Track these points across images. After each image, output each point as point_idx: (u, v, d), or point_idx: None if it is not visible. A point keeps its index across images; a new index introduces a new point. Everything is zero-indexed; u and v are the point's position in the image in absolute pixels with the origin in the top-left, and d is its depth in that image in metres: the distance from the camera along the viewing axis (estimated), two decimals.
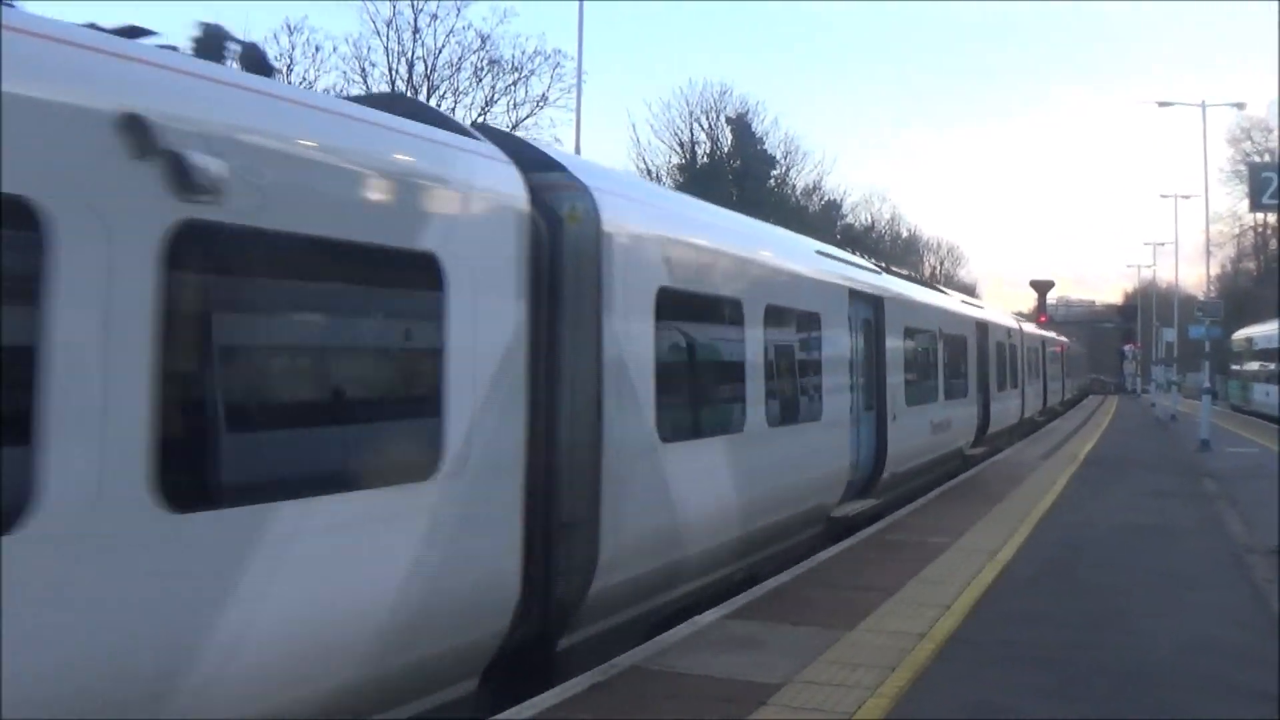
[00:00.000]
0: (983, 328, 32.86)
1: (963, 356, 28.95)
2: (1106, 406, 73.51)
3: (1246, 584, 13.40)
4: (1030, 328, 52.10)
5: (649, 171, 65.36)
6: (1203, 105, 42.57)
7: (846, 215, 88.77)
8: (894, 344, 20.65)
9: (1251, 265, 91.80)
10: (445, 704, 8.42)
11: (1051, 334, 65.48)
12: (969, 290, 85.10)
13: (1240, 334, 62.76)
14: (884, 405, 19.64)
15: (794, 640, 10.49)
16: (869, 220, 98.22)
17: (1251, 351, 58.27)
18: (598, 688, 9.01)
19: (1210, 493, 22.70)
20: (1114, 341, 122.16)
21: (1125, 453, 33.89)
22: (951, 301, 30.89)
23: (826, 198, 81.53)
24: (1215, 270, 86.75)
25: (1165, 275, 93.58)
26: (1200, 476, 25.94)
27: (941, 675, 9.45)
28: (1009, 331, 39.55)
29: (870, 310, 19.57)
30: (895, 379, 20.56)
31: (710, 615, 11.51)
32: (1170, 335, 59.65)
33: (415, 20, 49.68)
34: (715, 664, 9.70)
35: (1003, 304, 69.32)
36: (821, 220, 72.60)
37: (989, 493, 22.26)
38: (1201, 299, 43.86)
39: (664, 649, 10.20)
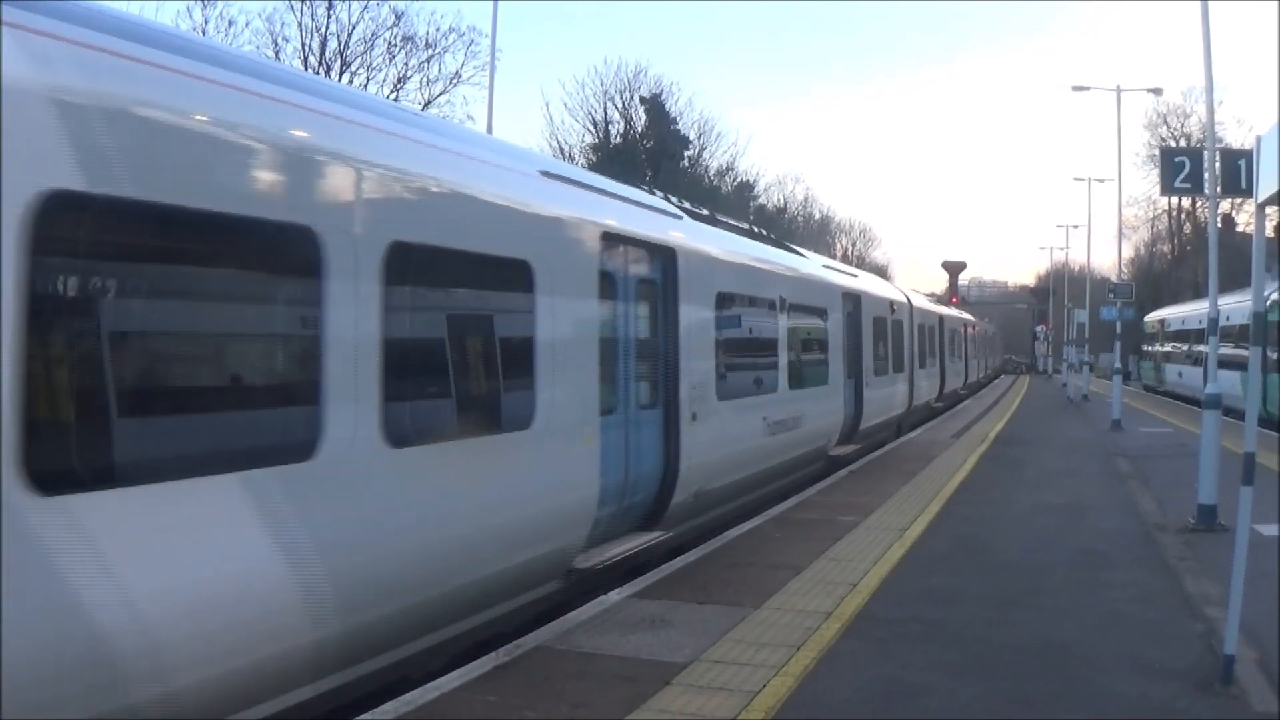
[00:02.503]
0: (931, 317, 41.28)
1: (902, 339, 33.64)
2: (1018, 386, 74.37)
3: (1158, 562, 13.39)
4: (953, 311, 53.82)
5: (562, 151, 64.98)
6: (1118, 90, 42.65)
7: (759, 197, 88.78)
8: (866, 329, 26.89)
9: (1166, 249, 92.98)
10: None
11: (968, 316, 66.34)
12: (881, 272, 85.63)
13: (1153, 316, 63.73)
14: (860, 375, 25.69)
15: (701, 619, 10.39)
16: (782, 202, 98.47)
17: (1164, 333, 59.18)
18: (502, 668, 8.92)
19: (1122, 472, 22.81)
20: (1027, 322, 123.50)
21: (1037, 432, 34.12)
22: (898, 293, 36.80)
23: (740, 179, 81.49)
24: (1130, 253, 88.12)
25: (1079, 257, 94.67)
26: (1112, 456, 26.11)
27: (848, 653, 9.36)
28: (940, 318, 45.76)
29: (852, 304, 25.42)
30: (868, 356, 26.94)
31: (617, 594, 11.41)
32: (1082, 316, 60.19)
33: None
34: (622, 643, 9.62)
35: (916, 285, 69.97)
36: (735, 202, 72.39)
37: (900, 471, 22.26)
38: (1114, 281, 44.25)
39: (570, 628, 10.10)
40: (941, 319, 45.44)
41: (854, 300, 25.82)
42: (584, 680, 8.61)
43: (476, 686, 8.45)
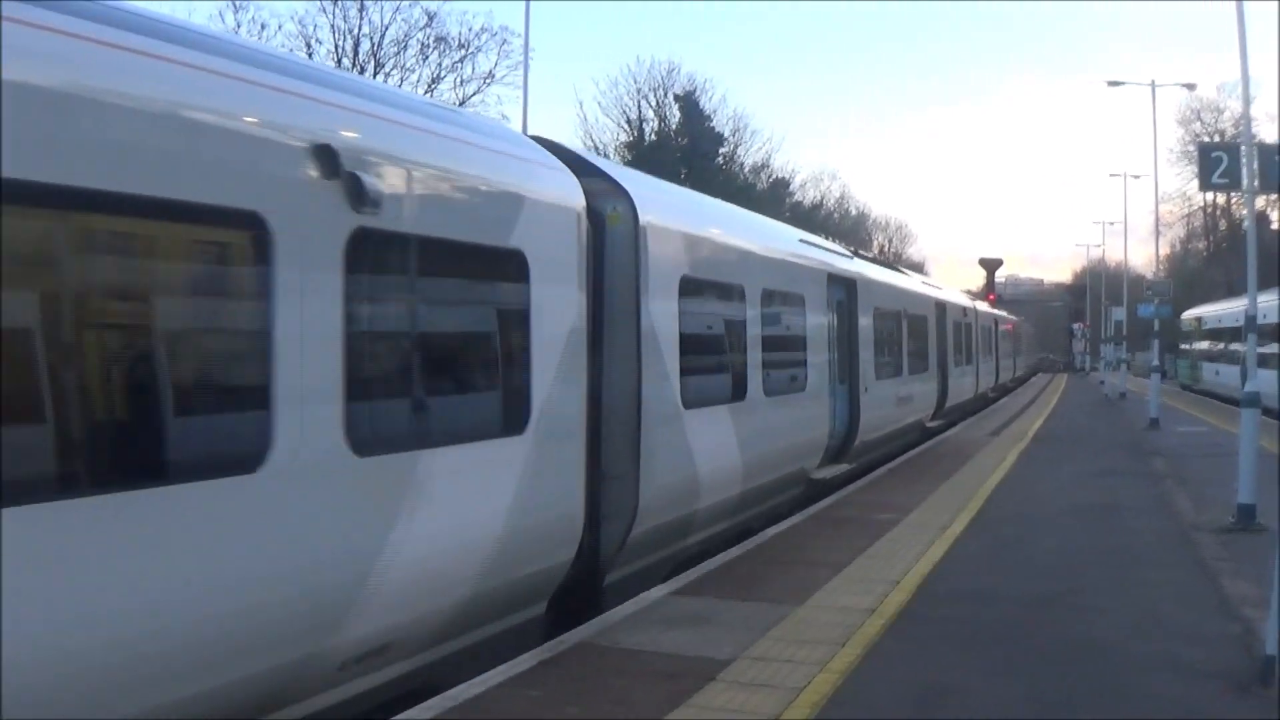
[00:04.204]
0: (986, 318, 48.06)
1: (972, 340, 41.63)
2: (1055, 384, 73.93)
3: (1194, 562, 13.38)
4: (996, 310, 54.98)
5: (596, 148, 64.96)
6: (1153, 85, 42.41)
7: (794, 193, 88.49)
8: (949, 331, 34.73)
9: (1201, 245, 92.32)
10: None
11: (1006, 314, 66.44)
12: (918, 268, 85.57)
13: (1190, 313, 63.24)
14: (945, 367, 32.98)
15: (742, 616, 10.42)
16: (818, 198, 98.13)
17: (1200, 331, 58.72)
18: (546, 664, 8.96)
19: (1159, 471, 22.75)
20: (1063, 320, 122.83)
21: (1074, 431, 34.06)
22: (964, 299, 44.13)
23: (775, 175, 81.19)
24: (1165, 250, 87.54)
25: (1115, 255, 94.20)
26: (1149, 455, 26.03)
27: (890, 652, 9.39)
28: (995, 319, 53.41)
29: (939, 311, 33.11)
30: (947, 354, 33.88)
31: (658, 591, 11.45)
32: (1119, 314, 59.96)
33: None
34: (663, 640, 9.64)
35: (952, 282, 70.11)
36: (770, 198, 72.14)
37: (938, 469, 22.31)
38: (1151, 278, 44.06)
39: (612, 625, 10.14)
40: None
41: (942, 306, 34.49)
42: (626, 677, 8.63)
43: (519, 682, 8.49)
